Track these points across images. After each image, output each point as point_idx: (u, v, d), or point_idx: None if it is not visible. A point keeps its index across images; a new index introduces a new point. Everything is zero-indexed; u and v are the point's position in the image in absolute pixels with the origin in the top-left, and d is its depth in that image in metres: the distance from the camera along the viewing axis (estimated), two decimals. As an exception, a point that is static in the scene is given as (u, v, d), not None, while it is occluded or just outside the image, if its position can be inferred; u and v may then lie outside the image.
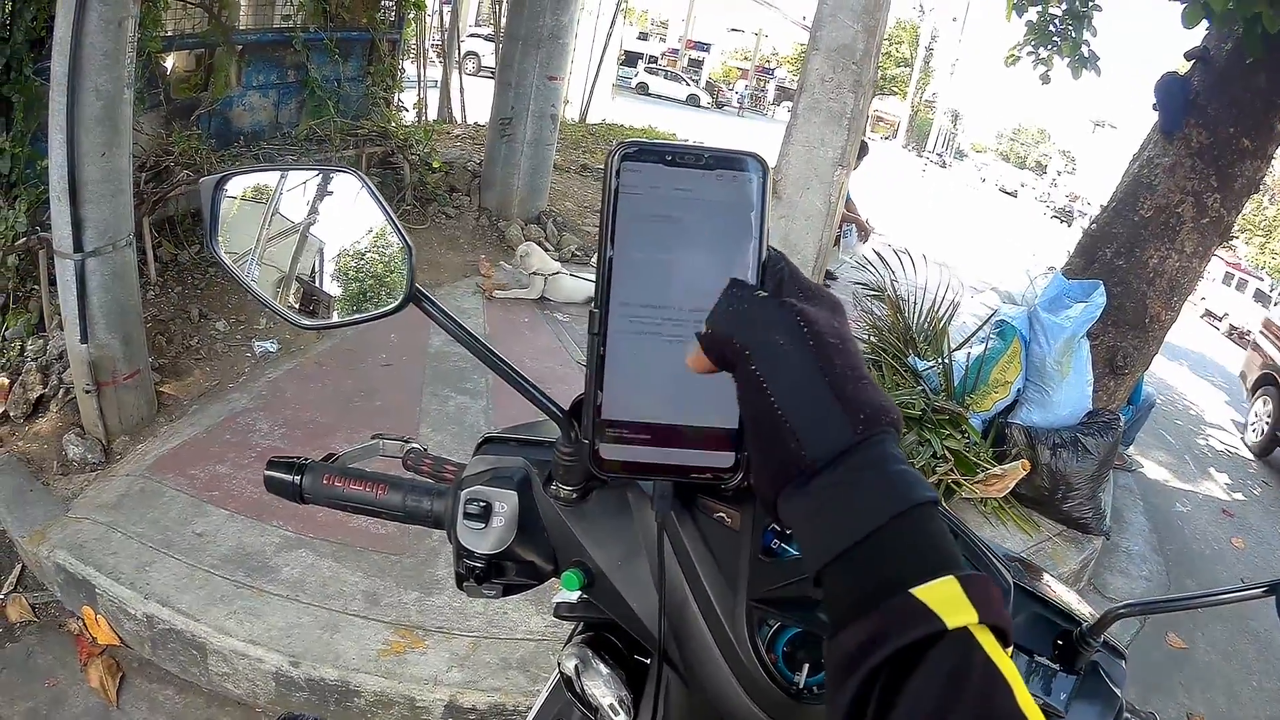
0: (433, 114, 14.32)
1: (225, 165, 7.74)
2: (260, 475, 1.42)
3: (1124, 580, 6.70)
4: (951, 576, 0.66)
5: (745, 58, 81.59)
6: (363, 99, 10.62)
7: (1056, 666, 1.40)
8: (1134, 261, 6.53)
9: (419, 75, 13.75)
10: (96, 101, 4.62)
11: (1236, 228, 7.19)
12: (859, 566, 0.70)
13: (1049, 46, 8.93)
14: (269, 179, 1.30)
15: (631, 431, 0.90)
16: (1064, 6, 8.63)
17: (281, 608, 4.06)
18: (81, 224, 4.73)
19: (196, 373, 6.11)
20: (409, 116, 12.36)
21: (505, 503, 1.19)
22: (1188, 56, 6.59)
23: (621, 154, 0.87)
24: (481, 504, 1.18)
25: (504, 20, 12.60)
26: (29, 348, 5.68)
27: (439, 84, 15.28)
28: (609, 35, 20.70)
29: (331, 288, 1.26)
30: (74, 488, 4.89)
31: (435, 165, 10.56)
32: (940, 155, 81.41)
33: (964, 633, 0.64)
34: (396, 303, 1.16)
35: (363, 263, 1.25)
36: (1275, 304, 24.64)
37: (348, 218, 1.23)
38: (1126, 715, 1.43)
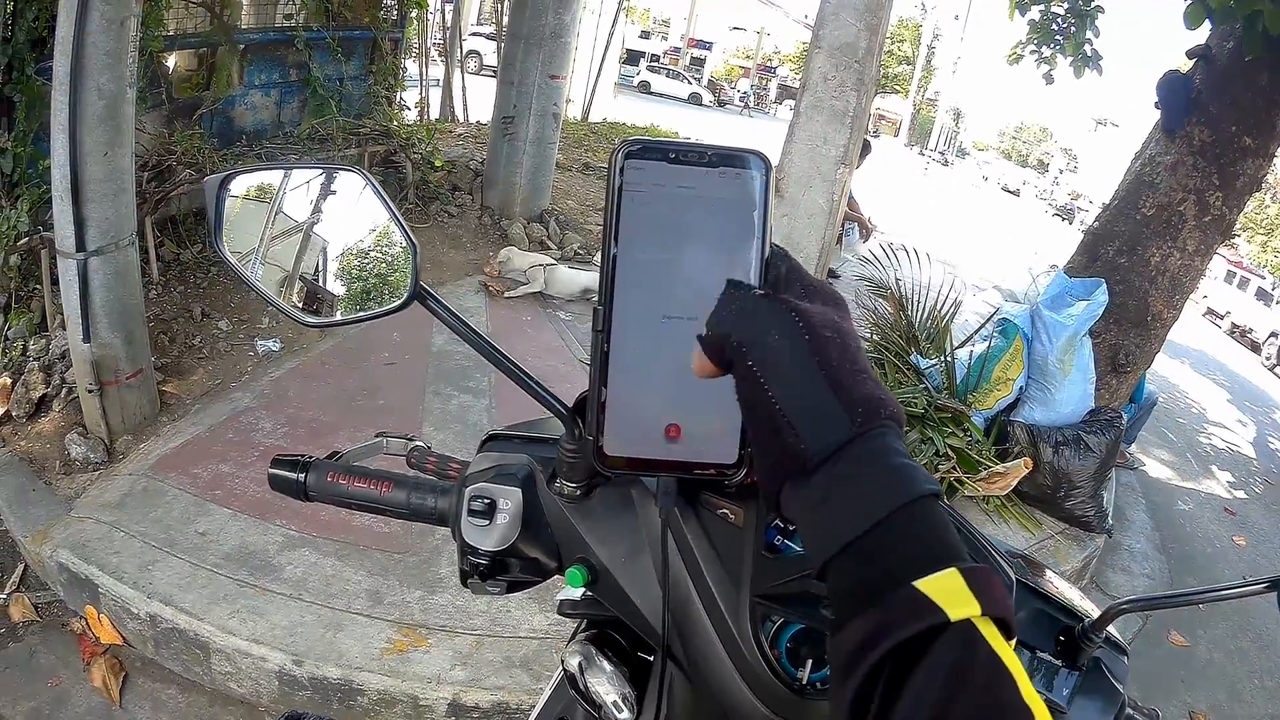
0: (435, 113, 14.30)
1: (227, 164, 7.73)
2: (263, 474, 1.42)
3: (1126, 578, 6.69)
4: (954, 569, 0.66)
5: (747, 56, 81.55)
6: (365, 98, 10.63)
7: (1059, 662, 1.40)
8: (1136, 260, 6.53)
9: (421, 74, 13.75)
10: (99, 101, 4.62)
11: (1238, 226, 7.19)
12: (862, 560, 0.70)
13: (1052, 45, 8.94)
14: (273, 178, 1.30)
15: (635, 428, 0.90)
16: (1066, 5, 8.64)
17: (284, 606, 4.06)
18: (84, 223, 4.74)
19: (199, 372, 6.11)
20: (411, 115, 12.36)
21: (509, 500, 1.19)
22: (1190, 55, 6.58)
23: (625, 152, 0.87)
24: (486, 501, 1.18)
25: (506, 19, 12.60)
26: (31, 347, 5.68)
27: (441, 83, 15.28)
28: (611, 34, 20.72)
29: (335, 286, 1.26)
30: (76, 487, 4.89)
31: (437, 164, 10.56)
32: (942, 153, 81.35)
33: (967, 625, 0.64)
34: (401, 300, 1.16)
35: (366, 261, 1.25)
36: (1277, 302, 24.69)
37: (351, 216, 1.23)
38: (1129, 711, 1.43)
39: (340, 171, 1.27)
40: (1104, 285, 6.13)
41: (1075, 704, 1.37)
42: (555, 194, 11.70)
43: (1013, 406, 6.43)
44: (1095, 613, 1.45)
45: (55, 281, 5.31)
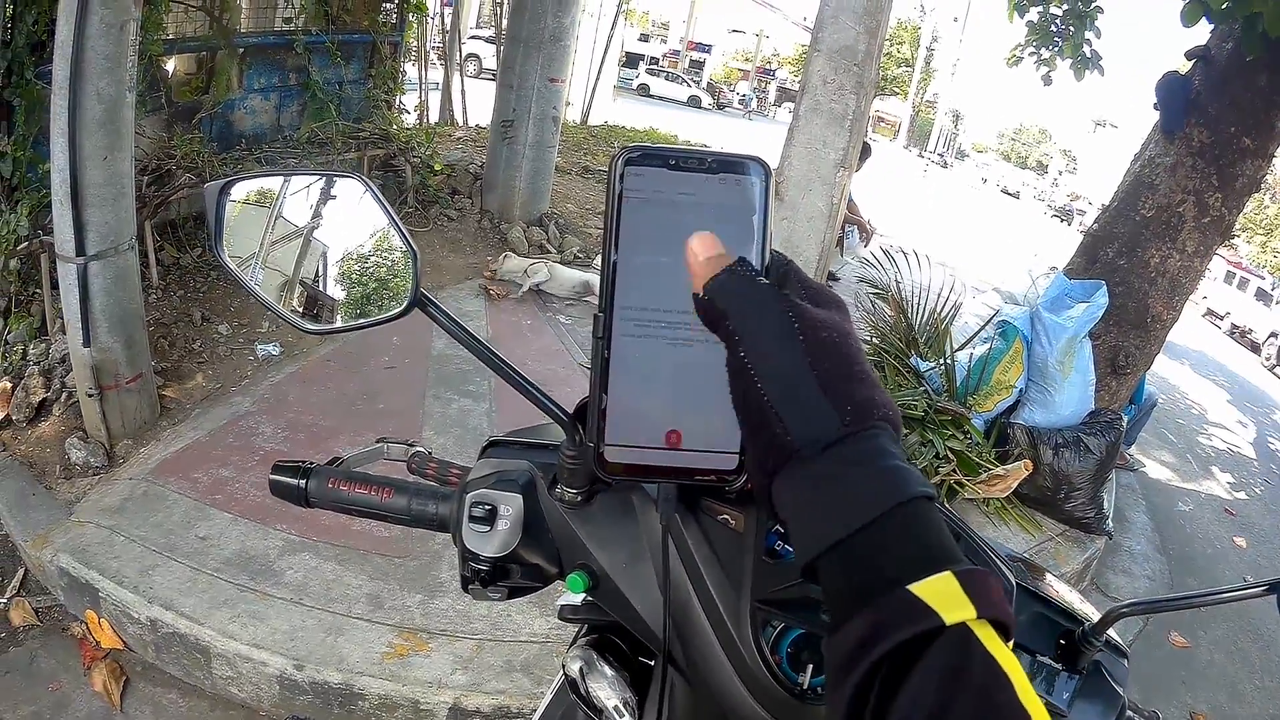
0: (434, 116, 14.31)
1: (227, 168, 7.76)
2: (264, 478, 1.42)
3: (1126, 580, 6.70)
4: (948, 572, 0.66)
5: (746, 59, 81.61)
6: (364, 102, 10.64)
7: (1059, 666, 1.40)
8: (1135, 261, 6.54)
9: (420, 78, 13.76)
10: (98, 105, 4.62)
11: (1238, 226, 7.19)
12: (854, 561, 0.70)
13: (1051, 47, 8.94)
14: (272, 184, 1.30)
15: (636, 434, 0.90)
16: (1065, 7, 8.64)
17: (285, 611, 4.07)
18: (84, 227, 4.74)
19: (199, 376, 6.11)
20: (410, 119, 12.38)
21: (510, 506, 1.20)
22: (1189, 56, 6.59)
23: (625, 158, 0.87)
24: (487, 507, 1.19)
25: (505, 22, 12.61)
26: (31, 352, 5.68)
27: (440, 86, 15.28)
28: (610, 37, 20.72)
29: (335, 292, 1.26)
30: (77, 491, 4.89)
31: (437, 168, 10.57)
32: (941, 155, 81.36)
33: (962, 628, 0.65)
34: (402, 307, 1.17)
35: (366, 267, 1.25)
36: (1277, 303, 24.69)
37: (351, 222, 1.24)
38: (1129, 714, 1.44)
39: (340, 177, 1.27)
40: (1104, 288, 6.14)
41: (1076, 707, 1.38)
42: (555, 198, 11.70)
43: (1013, 409, 6.44)
44: (1095, 616, 1.46)
45: (55, 286, 5.31)
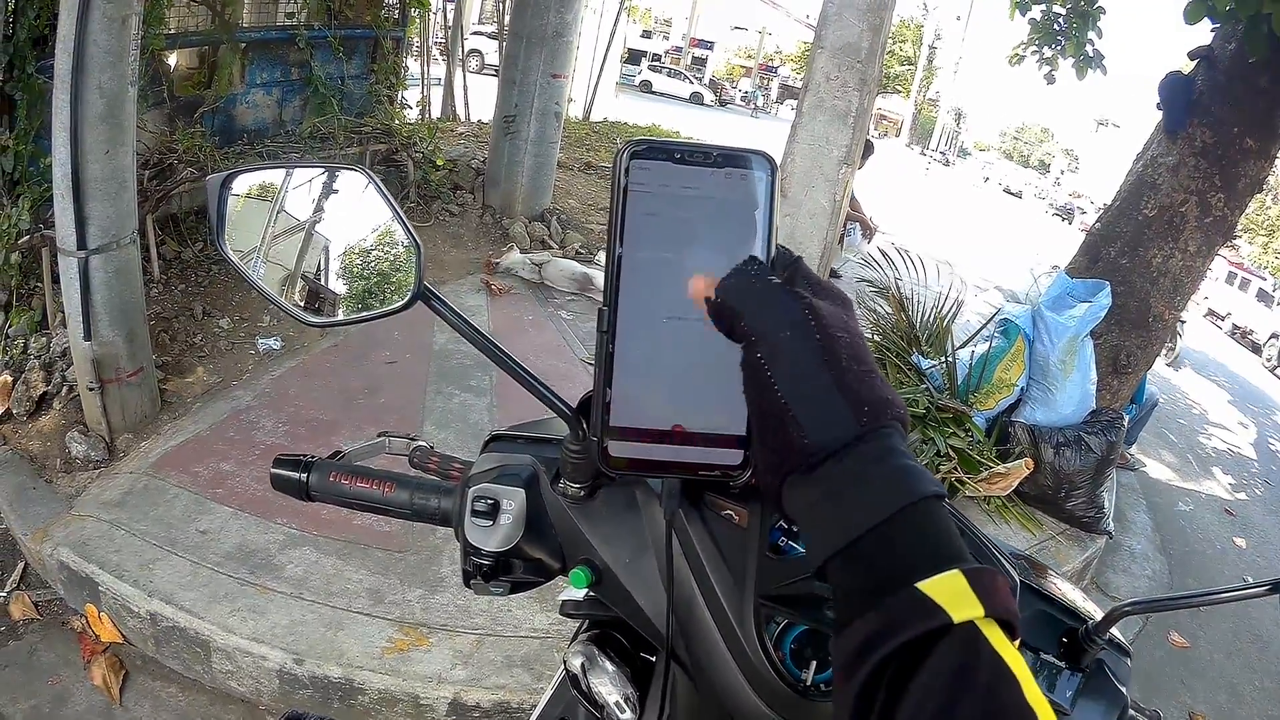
0: (436, 112, 14.30)
1: (229, 163, 7.73)
2: (264, 472, 1.43)
3: (1126, 579, 6.70)
4: (957, 570, 0.67)
5: (749, 56, 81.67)
6: (366, 97, 10.62)
7: (1062, 664, 1.40)
8: (1137, 260, 6.53)
9: (423, 73, 13.75)
10: (100, 99, 4.62)
11: (1239, 227, 7.19)
12: (864, 560, 0.70)
13: (1053, 46, 8.93)
14: (275, 177, 1.29)
15: (640, 429, 0.90)
16: (1068, 5, 8.63)
17: (285, 605, 4.07)
18: (85, 221, 4.73)
19: (200, 370, 6.11)
20: (412, 114, 12.36)
21: (513, 500, 1.20)
22: (1191, 56, 6.58)
23: (631, 152, 0.87)
24: (489, 501, 1.19)
25: (508, 18, 12.59)
26: (32, 345, 5.68)
27: (442, 82, 15.26)
28: (612, 33, 20.67)
29: (337, 285, 1.26)
30: (77, 485, 4.89)
31: (439, 163, 10.56)
32: (943, 154, 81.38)
33: (970, 626, 0.65)
34: (405, 300, 1.17)
35: (369, 260, 1.25)
36: (1278, 304, 24.70)
37: (354, 215, 1.23)
38: (1131, 713, 1.43)
39: (343, 170, 1.27)
40: (1107, 287, 6.13)
41: (1078, 706, 1.37)
42: (557, 193, 11.70)
43: (1014, 407, 6.43)
44: (1098, 614, 1.45)
45: (56, 279, 5.31)
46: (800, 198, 5.35)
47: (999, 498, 6.07)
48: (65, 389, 5.44)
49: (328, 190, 1.27)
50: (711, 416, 0.90)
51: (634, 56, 52.33)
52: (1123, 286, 6.43)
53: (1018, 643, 0.68)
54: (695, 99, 56.06)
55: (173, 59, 8.00)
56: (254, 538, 4.49)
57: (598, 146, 16.99)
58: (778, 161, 0.92)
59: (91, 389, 5.07)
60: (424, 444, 1.56)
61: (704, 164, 0.88)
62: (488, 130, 12.13)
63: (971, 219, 33.07)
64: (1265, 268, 36.84)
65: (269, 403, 5.82)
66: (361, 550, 4.52)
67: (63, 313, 5.27)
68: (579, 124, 19.30)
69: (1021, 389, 6.37)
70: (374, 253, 1.24)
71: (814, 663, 0.99)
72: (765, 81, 77.82)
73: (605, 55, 20.69)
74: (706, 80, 65.02)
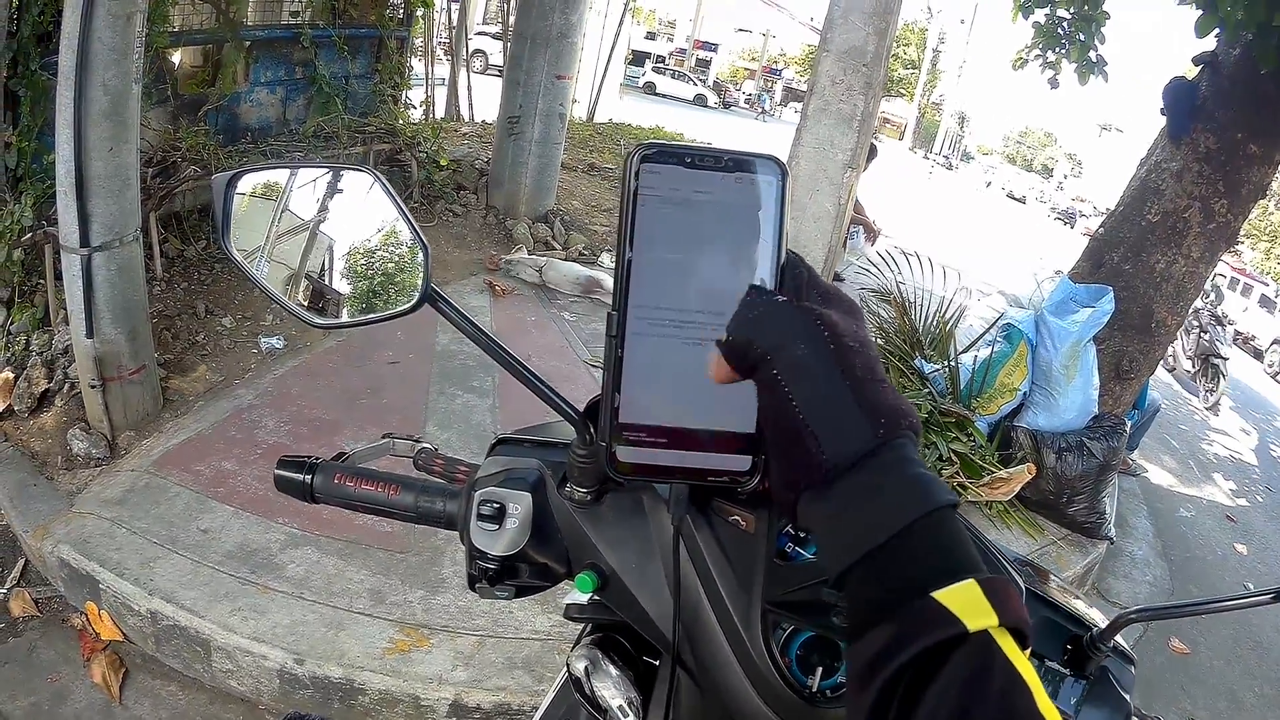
0: (440, 112, 14.31)
1: (232, 161, 7.74)
2: (266, 471, 1.43)
3: (1127, 585, 6.70)
4: (972, 579, 0.67)
5: (753, 58, 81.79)
6: (370, 96, 10.63)
7: (1067, 671, 1.40)
8: (1140, 266, 6.54)
9: (426, 73, 13.75)
10: (104, 97, 4.62)
11: (1242, 233, 7.19)
12: (880, 570, 0.70)
13: (1057, 50, 8.92)
14: (281, 176, 1.29)
15: (648, 434, 0.90)
16: (1072, 10, 8.62)
17: (286, 605, 4.07)
18: (88, 219, 4.73)
19: (202, 368, 6.11)
20: (416, 114, 12.37)
21: (519, 504, 1.19)
22: (1196, 62, 6.59)
23: (641, 155, 0.87)
24: (495, 505, 1.18)
25: (512, 19, 12.62)
26: (34, 342, 5.68)
27: (446, 82, 15.27)
28: (617, 34, 20.68)
29: (343, 286, 1.25)
30: (78, 483, 4.88)
31: (443, 163, 10.57)
32: (947, 157, 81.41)
33: (985, 635, 0.65)
34: (412, 302, 1.16)
35: (374, 261, 1.24)
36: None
37: (359, 216, 1.23)
38: (1134, 720, 1.43)
39: (349, 170, 1.26)
40: (1111, 293, 6.12)
41: (1082, 713, 1.37)
42: (560, 194, 11.70)
43: (1016, 412, 6.44)
44: (1102, 621, 1.45)
45: (59, 276, 5.31)
46: (805, 201, 5.35)
47: (1001, 503, 6.07)
48: (67, 386, 5.44)
49: (333, 190, 1.27)
50: (720, 422, 0.89)
51: (638, 58, 52.34)
52: (1126, 292, 6.43)
53: (1027, 651, 0.67)
54: (699, 101, 56.22)
55: (177, 57, 8.02)
56: (255, 537, 4.49)
57: (602, 148, 17.00)
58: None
59: (93, 386, 5.07)
60: (428, 446, 1.56)
61: (715, 168, 0.88)
62: (491, 131, 12.18)
63: (974, 223, 33.08)
64: (1268, 274, 36.83)
65: (271, 402, 5.82)
66: (363, 551, 4.52)
67: (65, 310, 5.26)
68: (583, 125, 19.30)
69: (1024, 394, 6.38)
70: (379, 254, 1.24)
71: (819, 669, 0.99)
72: (769, 84, 77.88)
73: (609, 56, 20.70)
74: (710, 82, 65.10)
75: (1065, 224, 56.71)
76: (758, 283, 0.86)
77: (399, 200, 1.20)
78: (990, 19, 69.82)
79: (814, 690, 0.98)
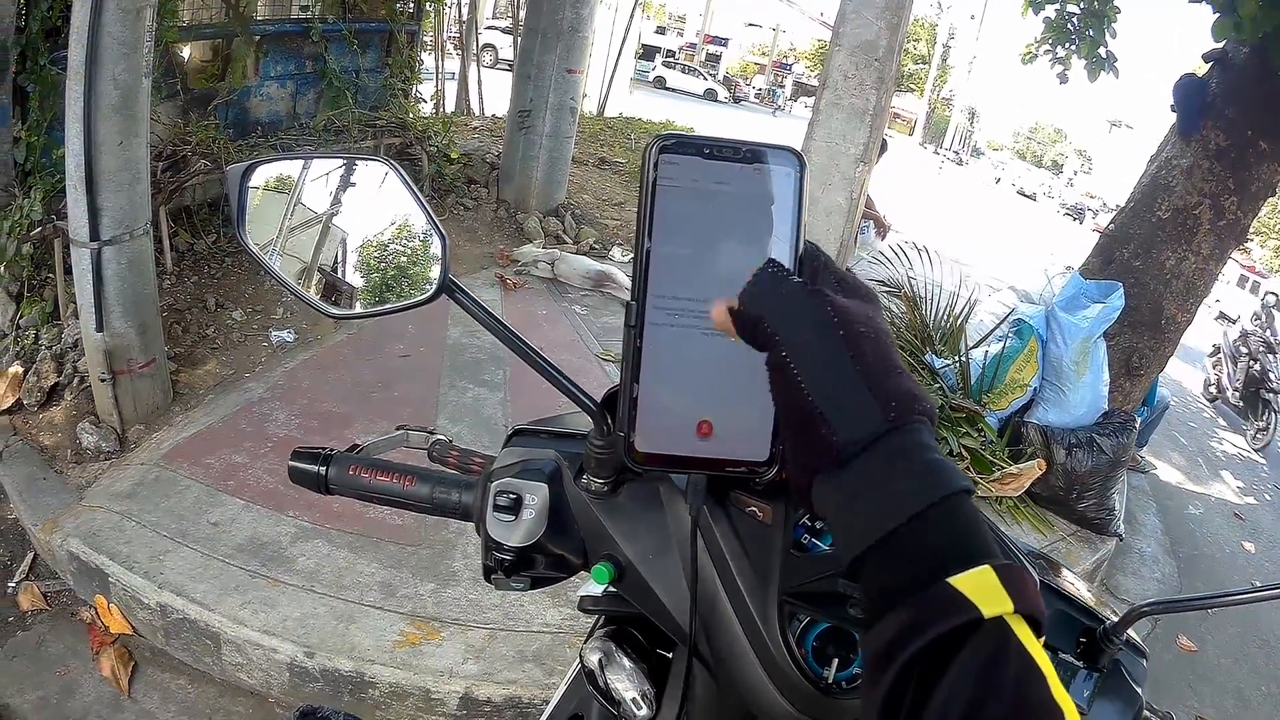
0: (450, 106, 14.31)
1: (242, 155, 7.73)
2: (277, 464, 1.43)
3: (1136, 581, 6.70)
4: (987, 565, 0.67)
5: (763, 53, 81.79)
6: (380, 90, 10.65)
7: (1080, 663, 1.40)
8: (1150, 262, 6.54)
9: (437, 67, 13.75)
10: (114, 91, 4.63)
11: (1251, 230, 7.19)
12: (894, 555, 0.70)
13: (1067, 45, 8.91)
14: (295, 168, 1.29)
15: (666, 425, 0.90)
16: (1082, 5, 8.61)
17: (296, 598, 4.07)
18: (98, 212, 4.74)
19: (212, 362, 6.11)
20: (427, 108, 12.39)
21: (536, 495, 1.19)
22: (1206, 59, 6.58)
23: (660, 146, 0.87)
24: (512, 496, 1.18)
25: (523, 13, 12.63)
26: (43, 336, 5.69)
27: (456, 76, 15.28)
28: (627, 28, 20.72)
29: (358, 278, 1.25)
30: (88, 476, 4.89)
31: (453, 157, 10.60)
32: (957, 153, 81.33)
33: (1000, 622, 0.65)
34: (430, 292, 1.16)
35: (389, 252, 1.24)
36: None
37: (374, 207, 1.23)
38: (1146, 715, 1.43)
39: (364, 161, 1.26)
40: (1121, 289, 6.12)
41: (1095, 706, 1.37)
42: (571, 188, 11.75)
43: (1027, 408, 6.44)
44: (1114, 614, 1.45)
45: (68, 270, 5.32)
46: (817, 195, 5.36)
47: (1011, 498, 6.07)
48: (77, 380, 5.44)
49: (349, 181, 1.27)
50: (738, 412, 0.90)
51: (648, 52, 52.47)
52: (1136, 288, 6.43)
53: (1042, 639, 0.67)
54: (709, 95, 56.27)
55: (187, 51, 8.02)
56: (265, 530, 4.50)
57: (612, 142, 17.03)
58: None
59: (103, 380, 5.07)
60: (443, 438, 1.56)
61: (733, 159, 0.88)
62: (502, 125, 12.17)
63: (985, 218, 33.07)
64: (1277, 271, 36.84)
65: (281, 395, 5.83)
66: (374, 544, 4.52)
67: (74, 304, 5.27)
68: (593, 119, 19.32)
69: (1034, 390, 6.37)
70: (394, 245, 1.24)
71: (835, 660, 0.98)
72: (779, 79, 77.88)
73: (620, 51, 20.72)
74: (720, 77, 65.09)
75: (1074, 219, 56.75)
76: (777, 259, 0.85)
77: (416, 190, 1.20)
78: (1000, 14, 69.68)
79: (830, 681, 0.98)
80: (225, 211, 7.40)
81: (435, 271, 1.17)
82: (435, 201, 10.07)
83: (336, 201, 1.26)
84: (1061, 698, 0.63)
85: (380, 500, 1.36)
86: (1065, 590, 1.46)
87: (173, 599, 3.96)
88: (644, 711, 1.21)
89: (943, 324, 7.49)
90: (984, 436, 6.22)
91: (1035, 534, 6.00)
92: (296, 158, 1.30)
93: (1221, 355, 13.99)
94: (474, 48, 15.64)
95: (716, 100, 56.29)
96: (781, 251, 0.87)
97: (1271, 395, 12.55)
